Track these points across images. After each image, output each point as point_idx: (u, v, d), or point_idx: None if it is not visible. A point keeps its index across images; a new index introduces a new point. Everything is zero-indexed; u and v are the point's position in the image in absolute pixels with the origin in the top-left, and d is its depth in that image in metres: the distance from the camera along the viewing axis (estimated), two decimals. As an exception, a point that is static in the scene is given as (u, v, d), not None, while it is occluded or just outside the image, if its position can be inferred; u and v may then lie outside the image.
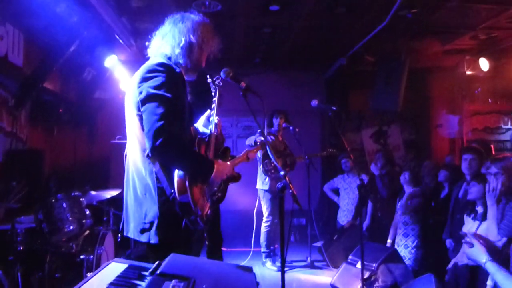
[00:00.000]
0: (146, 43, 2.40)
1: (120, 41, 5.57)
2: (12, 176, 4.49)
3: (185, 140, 2.18)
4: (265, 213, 5.61)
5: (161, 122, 1.99)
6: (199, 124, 2.66)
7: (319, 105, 4.09)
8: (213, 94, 2.68)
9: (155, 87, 2.07)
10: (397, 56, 6.49)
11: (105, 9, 4.84)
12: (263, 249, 5.61)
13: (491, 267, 2.08)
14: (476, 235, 2.32)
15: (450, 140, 8.06)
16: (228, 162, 2.55)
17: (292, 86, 7.79)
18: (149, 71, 2.14)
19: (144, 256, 2.23)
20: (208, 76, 2.66)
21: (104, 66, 5.83)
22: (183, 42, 2.25)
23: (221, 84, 2.64)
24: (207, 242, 3.83)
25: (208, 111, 2.66)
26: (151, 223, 2.12)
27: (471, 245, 2.24)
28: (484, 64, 6.66)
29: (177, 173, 2.07)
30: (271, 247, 5.62)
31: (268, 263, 5.53)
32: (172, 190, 2.07)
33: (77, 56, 5.40)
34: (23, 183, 4.14)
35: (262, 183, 5.53)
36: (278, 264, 5.40)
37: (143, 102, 2.08)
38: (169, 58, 2.27)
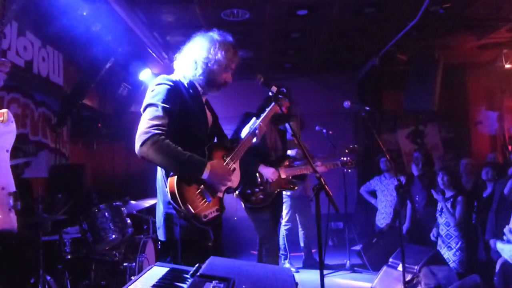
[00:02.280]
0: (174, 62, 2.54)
1: (153, 55, 5.75)
2: (57, 189, 4.70)
3: (179, 143, 2.20)
4: (285, 217, 5.77)
5: (146, 126, 2.13)
6: (244, 132, 2.73)
7: (352, 106, 4.05)
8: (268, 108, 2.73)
9: (151, 97, 2.24)
10: (430, 54, 6.34)
11: (138, 25, 5.03)
12: (281, 252, 5.71)
13: None
14: None
15: (491, 137, 7.76)
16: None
17: (324, 88, 7.76)
18: (153, 85, 2.30)
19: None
20: (270, 92, 2.67)
21: (138, 80, 6.03)
22: (189, 59, 2.40)
23: (284, 98, 2.74)
24: (263, 246, 3.83)
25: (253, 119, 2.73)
26: (160, 222, 2.32)
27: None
28: (524, 56, 6.39)
29: (170, 174, 2.18)
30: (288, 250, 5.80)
31: (287, 265, 5.63)
32: (166, 189, 2.19)
33: (113, 72, 5.62)
34: (67, 195, 4.33)
35: None
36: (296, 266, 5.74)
37: (142, 111, 2.24)
38: (185, 76, 2.41)
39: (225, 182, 2.31)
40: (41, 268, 3.34)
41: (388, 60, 6.81)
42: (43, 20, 4.37)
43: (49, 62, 4.85)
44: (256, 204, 3.61)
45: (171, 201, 2.15)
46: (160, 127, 2.13)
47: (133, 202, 4.37)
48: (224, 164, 2.37)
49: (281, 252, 5.71)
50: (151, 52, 5.69)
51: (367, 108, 4.02)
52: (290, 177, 3.82)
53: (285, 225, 5.81)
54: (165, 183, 2.21)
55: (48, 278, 3.39)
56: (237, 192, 3.46)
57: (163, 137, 2.12)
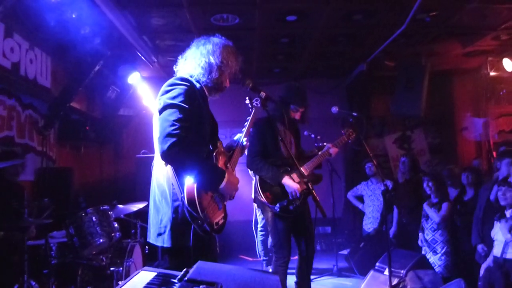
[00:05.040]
0: (174, 68, 2.51)
1: (142, 58, 5.73)
2: (44, 193, 4.65)
3: (199, 148, 2.22)
4: (261, 222, 5.71)
5: (172, 128, 2.08)
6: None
7: (339, 111, 4.08)
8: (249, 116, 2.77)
9: (171, 98, 2.19)
10: (417, 60, 6.43)
11: (127, 29, 5.01)
12: (262, 258, 5.72)
13: None
14: None
15: (476, 143, 7.88)
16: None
17: (313, 94, 7.77)
18: (169, 85, 2.26)
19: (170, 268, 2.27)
20: (247, 98, 2.75)
21: (127, 84, 6.00)
22: (203, 62, 2.37)
23: (258, 105, 2.74)
24: (274, 254, 3.74)
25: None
26: (166, 227, 2.19)
27: None
28: (508, 64, 6.51)
29: (187, 179, 2.11)
30: (270, 254, 5.68)
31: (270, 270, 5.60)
32: (182, 195, 2.11)
33: (101, 76, 5.59)
34: (54, 199, 4.28)
35: None
36: None
37: (160, 112, 2.19)
38: (191, 77, 2.39)
39: (234, 191, 2.34)
40: (26, 273, 3.28)
41: (376, 66, 6.89)
42: (31, 22, 4.33)
43: (37, 64, 4.80)
44: (296, 212, 3.50)
45: (189, 208, 2.08)
46: (186, 131, 2.11)
47: (120, 206, 4.33)
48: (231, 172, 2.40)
49: (262, 258, 5.75)
50: (140, 55, 5.67)
51: (354, 114, 4.05)
52: (312, 172, 3.75)
53: (261, 230, 5.79)
54: (180, 188, 2.12)
55: (33, 283, 3.33)
56: (277, 209, 3.42)
57: (189, 143, 2.10)
